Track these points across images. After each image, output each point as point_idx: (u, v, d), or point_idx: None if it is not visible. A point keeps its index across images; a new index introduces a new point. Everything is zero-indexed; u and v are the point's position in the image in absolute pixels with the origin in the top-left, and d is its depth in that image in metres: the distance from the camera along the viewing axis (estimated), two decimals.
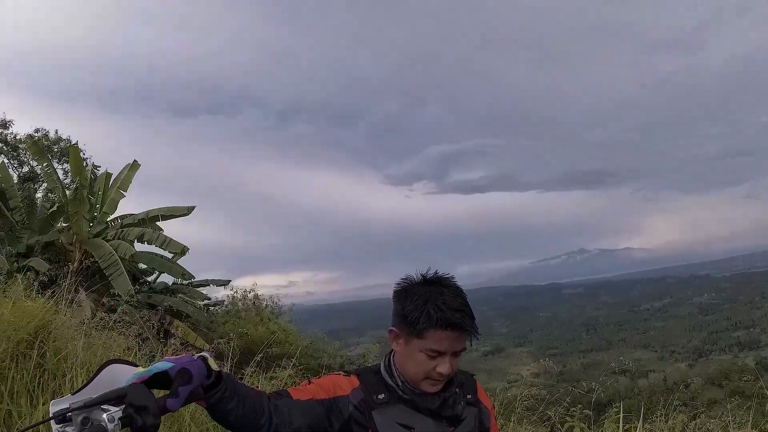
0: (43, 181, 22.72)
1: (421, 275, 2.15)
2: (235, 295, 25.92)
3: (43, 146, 22.80)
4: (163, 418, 1.65)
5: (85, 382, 1.72)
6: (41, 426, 2.88)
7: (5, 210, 17.74)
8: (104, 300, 14.01)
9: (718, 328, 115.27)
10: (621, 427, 6.30)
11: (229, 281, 23.74)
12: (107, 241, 16.36)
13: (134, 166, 18.35)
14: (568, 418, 6.80)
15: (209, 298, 24.10)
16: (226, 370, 2.18)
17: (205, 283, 22.13)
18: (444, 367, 2.04)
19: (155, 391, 1.68)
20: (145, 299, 17.64)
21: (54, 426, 1.59)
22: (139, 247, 17.52)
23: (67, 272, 8.92)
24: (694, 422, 7.05)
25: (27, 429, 2.02)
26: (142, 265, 19.23)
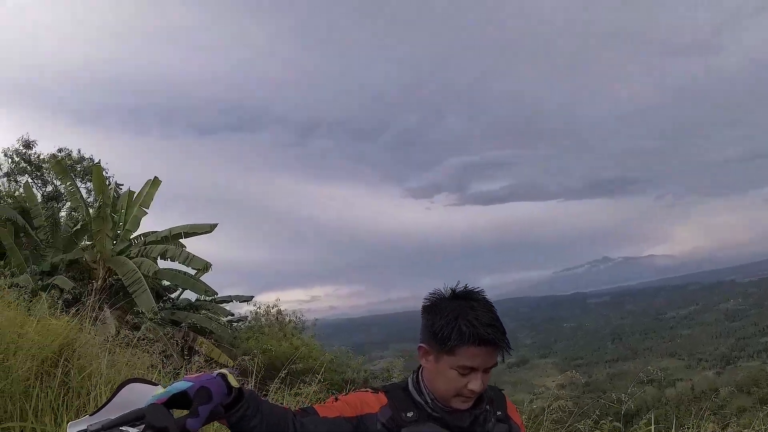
0: (66, 200, 22.97)
1: (450, 289, 2.09)
2: (258, 310, 25.94)
3: (67, 165, 23.07)
4: None
5: (103, 402, 1.68)
6: None
7: (30, 229, 17.92)
8: (128, 317, 14.04)
9: (746, 334, 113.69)
10: None
11: (252, 297, 23.81)
12: (130, 258, 16.47)
13: (155, 182, 18.49)
14: (597, 431, 6.68)
15: (232, 314, 24.15)
16: (249, 386, 2.13)
17: (228, 300, 22.18)
18: (476, 384, 1.97)
19: (175, 412, 1.63)
20: (168, 316, 17.70)
21: None
22: (162, 264, 17.64)
23: (91, 290, 8.93)
24: (724, 431, 6.90)
25: None
26: (166, 282, 19.34)
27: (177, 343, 10.15)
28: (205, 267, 17.10)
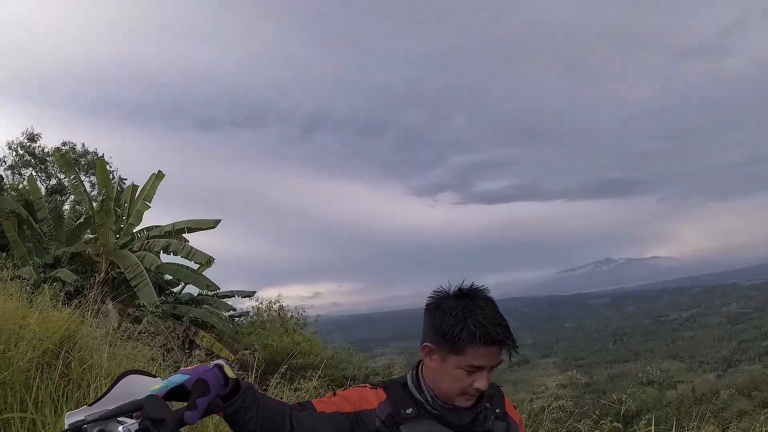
0: (70, 194, 23.03)
1: (458, 288, 2.08)
2: (260, 306, 26.02)
3: (71, 159, 23.11)
4: (184, 430, 1.61)
5: (101, 393, 1.68)
6: None
7: (33, 221, 17.96)
8: (130, 310, 14.10)
9: (747, 338, 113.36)
10: None
11: (255, 292, 23.86)
12: (133, 252, 16.50)
13: (159, 176, 18.51)
14: (597, 431, 6.68)
15: (234, 309, 24.21)
16: (248, 380, 2.13)
17: (231, 295, 22.21)
18: (481, 382, 1.98)
19: (174, 405, 1.63)
20: (170, 310, 17.73)
21: None
22: (164, 258, 17.66)
23: (94, 283, 8.95)
24: None
25: None
26: (168, 276, 19.35)
27: (178, 337, 10.17)
28: (208, 261, 17.11)
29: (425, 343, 2.07)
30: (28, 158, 28.11)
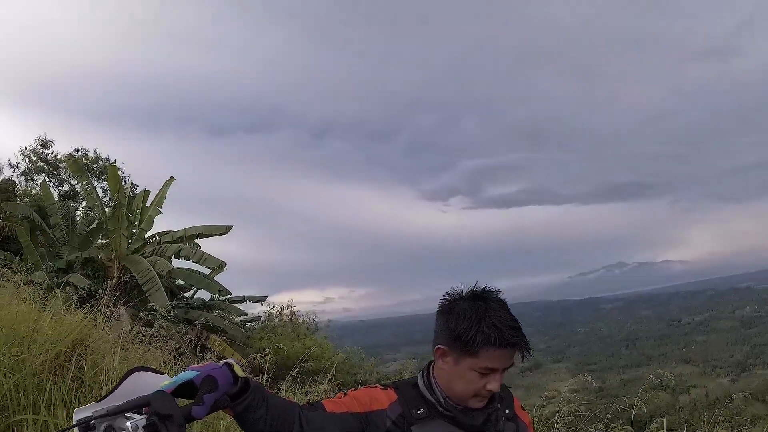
0: (82, 199, 23.20)
1: (470, 290, 2.08)
2: (271, 311, 26.03)
3: (83, 165, 23.29)
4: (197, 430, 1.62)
5: (110, 389, 1.69)
6: None
7: (46, 227, 18.10)
8: (142, 315, 14.17)
9: (761, 342, 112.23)
10: None
11: (266, 297, 23.92)
12: (145, 257, 16.58)
13: (169, 181, 18.62)
14: None
15: (246, 314, 24.25)
16: (255, 379, 2.14)
17: (242, 299, 22.27)
18: (494, 384, 1.97)
19: (182, 402, 1.64)
20: (182, 314, 17.80)
21: None
22: (176, 263, 17.75)
23: (106, 287, 9.03)
24: None
25: None
26: (180, 281, 19.44)
27: (190, 341, 10.19)
28: (220, 266, 17.20)
29: (438, 345, 2.06)
30: (41, 164, 28.35)
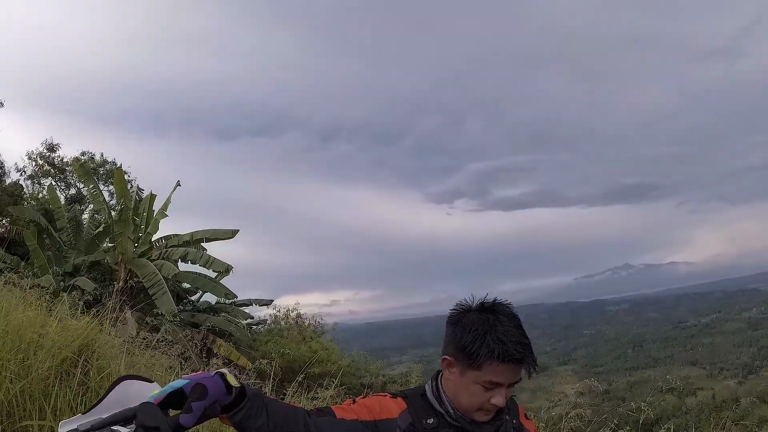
0: (89, 203, 23.27)
1: (480, 302, 2.06)
2: (277, 314, 26.04)
3: (90, 169, 23.36)
4: None
5: (96, 400, 1.66)
6: None
7: (53, 230, 18.15)
8: (148, 319, 14.18)
9: None
10: None
11: (272, 300, 23.91)
12: (151, 261, 16.60)
13: (176, 186, 18.68)
14: None
15: (252, 317, 24.27)
16: (265, 389, 2.10)
17: (248, 303, 22.28)
18: (499, 399, 1.95)
19: (173, 412, 1.61)
20: (188, 318, 17.82)
21: None
22: (183, 266, 17.76)
23: (112, 291, 9.02)
24: None
25: None
26: (186, 285, 19.46)
27: (196, 345, 10.21)
28: (226, 270, 17.20)
29: (444, 356, 2.05)
30: (48, 168, 28.46)
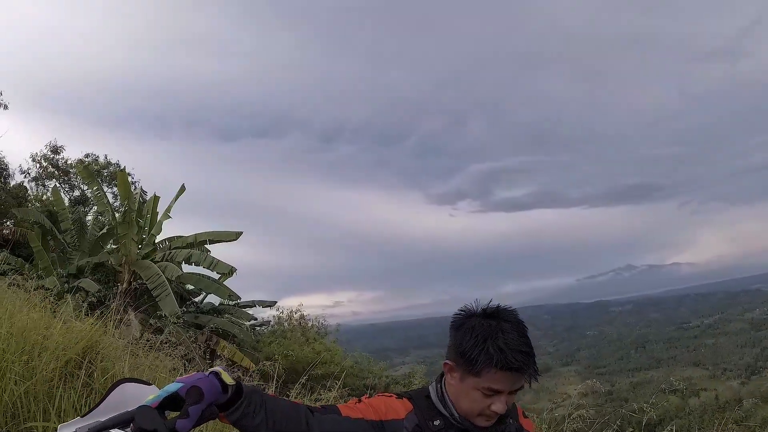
0: (93, 205, 23.32)
1: (482, 308, 2.03)
2: (281, 315, 26.11)
3: (93, 171, 23.40)
4: None
5: (95, 403, 1.65)
6: None
7: (57, 232, 18.19)
8: (152, 321, 14.20)
9: None
10: None
11: (276, 302, 23.96)
12: (155, 262, 16.63)
13: (181, 191, 18.71)
14: None
15: (255, 319, 24.32)
16: (269, 391, 2.10)
17: (252, 304, 22.32)
18: (499, 406, 1.93)
19: (171, 415, 1.60)
20: (192, 320, 17.85)
21: None
22: (186, 268, 17.79)
23: (116, 293, 9.06)
24: None
25: None
26: (190, 286, 19.49)
27: (200, 347, 10.20)
28: (230, 272, 17.23)
29: (446, 361, 2.05)
30: (52, 170, 28.51)
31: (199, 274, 18.14)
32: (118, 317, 7.54)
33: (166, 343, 7.64)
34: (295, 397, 7.04)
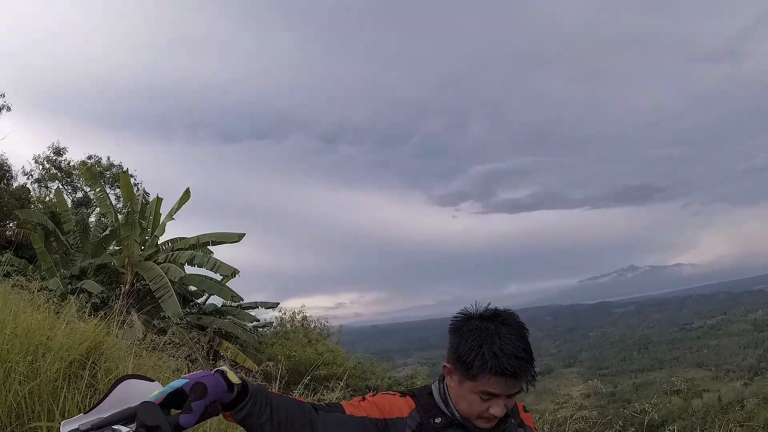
0: (96, 206, 23.37)
1: (479, 311, 2.02)
2: (283, 316, 26.12)
3: (96, 172, 23.44)
4: None
5: (98, 399, 1.65)
6: None
7: (60, 234, 18.21)
8: (155, 322, 14.23)
9: None
10: None
11: (278, 303, 23.95)
12: (158, 264, 16.66)
13: (186, 195, 18.75)
14: None
15: (258, 320, 24.31)
16: (267, 386, 2.12)
17: (254, 305, 22.33)
18: (497, 409, 1.93)
19: (174, 412, 1.60)
20: (194, 321, 17.87)
21: None
22: (189, 269, 17.81)
23: (119, 294, 9.07)
24: None
25: None
26: (192, 287, 19.51)
27: (203, 348, 10.22)
28: (233, 274, 17.24)
29: (445, 364, 2.05)
30: (55, 172, 28.55)
31: (202, 276, 18.18)
32: (122, 318, 7.56)
33: (169, 344, 7.67)
34: (298, 398, 7.06)
